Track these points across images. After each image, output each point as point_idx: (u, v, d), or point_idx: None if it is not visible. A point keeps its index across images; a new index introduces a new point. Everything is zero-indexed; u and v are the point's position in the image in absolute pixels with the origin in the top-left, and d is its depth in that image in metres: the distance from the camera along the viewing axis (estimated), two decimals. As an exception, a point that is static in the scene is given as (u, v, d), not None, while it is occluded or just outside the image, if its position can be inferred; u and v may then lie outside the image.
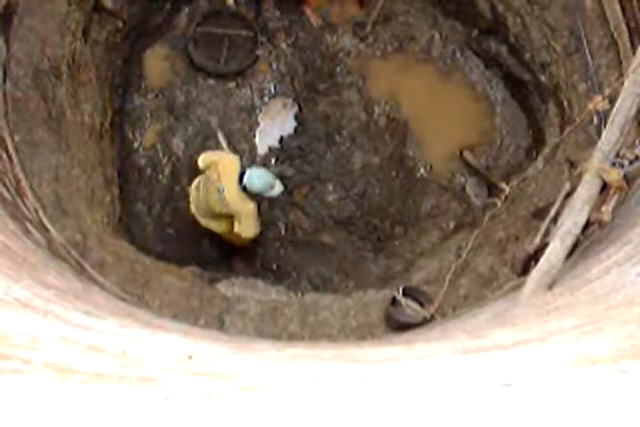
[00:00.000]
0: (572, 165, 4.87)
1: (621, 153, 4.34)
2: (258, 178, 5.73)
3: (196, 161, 6.19)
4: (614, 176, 4.22)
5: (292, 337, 5.56)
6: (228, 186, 5.81)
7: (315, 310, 5.78)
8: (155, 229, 7.06)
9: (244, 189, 5.75)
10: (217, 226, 6.28)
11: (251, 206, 5.84)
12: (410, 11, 7.83)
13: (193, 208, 6.29)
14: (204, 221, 6.28)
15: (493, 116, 7.67)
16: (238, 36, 7.59)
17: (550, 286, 4.03)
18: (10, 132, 5.48)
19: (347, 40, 7.83)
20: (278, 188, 5.91)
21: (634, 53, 4.98)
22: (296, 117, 7.64)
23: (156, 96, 7.48)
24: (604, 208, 4.27)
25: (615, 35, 6.12)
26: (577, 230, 4.21)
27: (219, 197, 5.86)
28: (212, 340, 3.53)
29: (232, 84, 7.63)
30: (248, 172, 5.75)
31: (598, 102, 4.49)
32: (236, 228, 5.97)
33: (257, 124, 7.60)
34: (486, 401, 1.64)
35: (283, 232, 7.22)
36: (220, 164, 5.98)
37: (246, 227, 5.94)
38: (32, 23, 5.83)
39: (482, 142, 7.60)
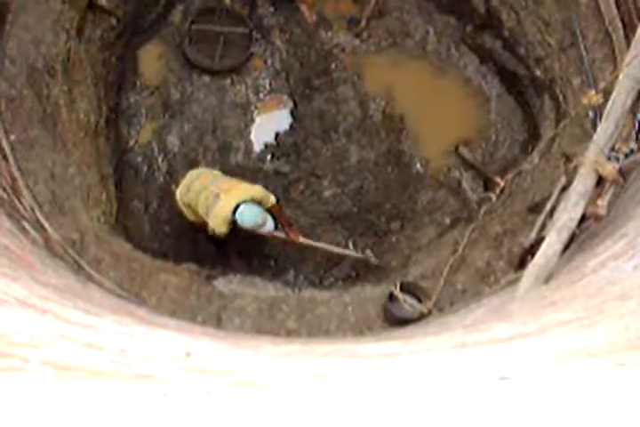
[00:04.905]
0: (568, 159, 4.87)
1: (616, 147, 4.36)
2: (249, 216, 5.80)
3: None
4: (610, 170, 4.24)
5: (290, 333, 5.57)
6: (226, 203, 5.86)
7: (312, 306, 5.79)
8: (151, 227, 7.05)
9: (235, 222, 5.83)
10: (190, 214, 6.37)
11: (222, 231, 5.93)
12: (404, 6, 7.82)
13: (179, 192, 6.32)
14: (182, 207, 6.33)
15: (489, 111, 7.68)
16: (233, 32, 7.58)
17: (547, 280, 4.05)
18: (5, 131, 5.47)
19: (341, 36, 7.82)
20: (269, 226, 5.99)
21: (628, 47, 4.99)
22: (291, 114, 7.64)
23: (151, 93, 7.47)
24: (599, 202, 4.28)
25: (610, 29, 6.13)
26: (573, 224, 4.22)
27: (210, 201, 5.92)
28: (211, 336, 3.54)
29: (227, 81, 7.62)
30: (242, 207, 5.81)
31: (592, 97, 4.50)
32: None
33: (252, 120, 7.60)
34: (484, 394, 1.65)
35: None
36: (245, 185, 6.10)
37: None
38: (26, 22, 5.82)
39: (477, 137, 7.61)
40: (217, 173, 6.44)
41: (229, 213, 5.81)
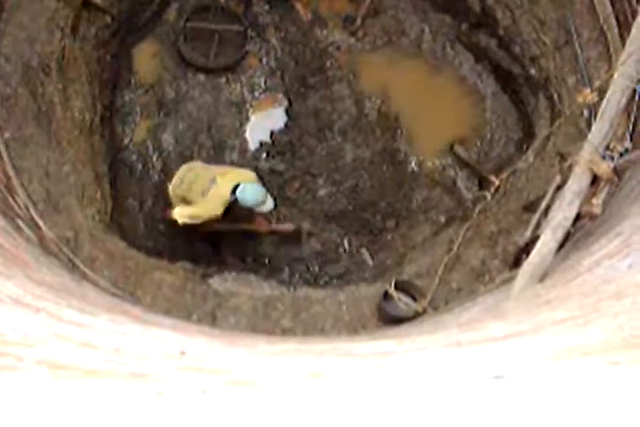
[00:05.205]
0: (563, 157, 4.88)
1: (611, 146, 4.36)
2: (250, 193, 5.94)
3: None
4: (604, 169, 4.24)
5: (285, 332, 5.57)
6: (223, 185, 5.96)
7: (307, 305, 5.79)
8: (146, 225, 7.04)
9: (235, 200, 5.95)
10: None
11: (217, 213, 6.02)
12: (399, 5, 7.82)
13: (171, 186, 6.33)
14: (176, 202, 6.35)
15: (484, 110, 7.68)
16: (228, 30, 7.57)
17: (541, 279, 4.05)
18: (0, 129, 5.46)
19: (337, 34, 7.81)
20: (269, 204, 6.13)
21: (623, 46, 4.99)
22: (286, 112, 7.63)
23: (146, 92, 7.45)
24: (594, 201, 4.29)
25: (605, 27, 6.13)
26: (567, 223, 4.23)
27: (206, 186, 5.99)
28: (205, 335, 3.54)
29: (222, 80, 7.61)
30: (243, 185, 5.94)
31: (587, 95, 4.51)
32: (180, 208, 6.16)
33: (247, 119, 7.59)
34: (479, 393, 1.65)
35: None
36: (239, 170, 6.31)
37: (184, 214, 6.13)
38: (21, 20, 5.80)
39: (472, 136, 7.61)
40: (210, 166, 6.48)
41: (228, 194, 5.91)
